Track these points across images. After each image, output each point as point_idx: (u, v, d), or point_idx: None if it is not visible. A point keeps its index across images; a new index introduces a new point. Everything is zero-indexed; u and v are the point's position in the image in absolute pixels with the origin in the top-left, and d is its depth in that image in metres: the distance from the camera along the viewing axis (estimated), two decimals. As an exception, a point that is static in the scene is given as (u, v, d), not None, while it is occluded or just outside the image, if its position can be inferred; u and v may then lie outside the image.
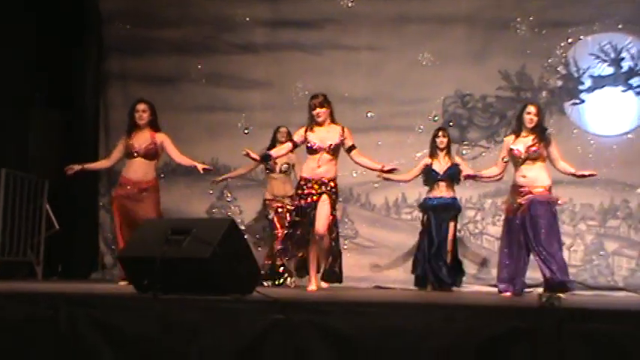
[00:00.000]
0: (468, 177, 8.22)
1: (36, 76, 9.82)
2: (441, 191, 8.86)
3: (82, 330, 4.68)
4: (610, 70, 9.81)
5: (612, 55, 9.81)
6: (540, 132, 7.75)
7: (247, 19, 10.05)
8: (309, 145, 7.39)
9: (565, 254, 9.61)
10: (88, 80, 10.17)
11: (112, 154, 8.31)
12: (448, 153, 8.95)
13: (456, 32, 9.85)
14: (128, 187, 7.93)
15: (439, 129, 9.12)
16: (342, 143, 7.44)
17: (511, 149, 7.73)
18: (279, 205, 8.86)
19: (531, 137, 7.70)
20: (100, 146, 10.11)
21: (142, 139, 7.96)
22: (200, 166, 7.91)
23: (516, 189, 7.67)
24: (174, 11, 10.07)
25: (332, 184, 7.38)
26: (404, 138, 9.60)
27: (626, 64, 9.78)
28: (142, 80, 10.05)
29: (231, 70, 9.97)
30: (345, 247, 9.30)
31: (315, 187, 7.32)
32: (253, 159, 7.75)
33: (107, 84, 10.21)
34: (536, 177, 7.66)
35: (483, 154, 9.68)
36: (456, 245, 8.99)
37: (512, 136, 7.83)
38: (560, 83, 9.88)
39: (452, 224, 8.88)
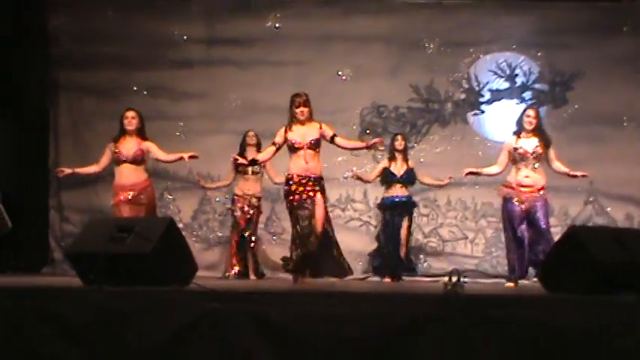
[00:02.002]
0: (470, 174, 7.85)
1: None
2: (397, 190, 8.86)
3: (32, 319, 4.58)
4: (506, 85, 9.98)
5: (508, 72, 9.96)
6: (542, 134, 7.57)
7: (185, 37, 9.97)
8: (290, 143, 7.08)
9: (469, 247, 9.80)
10: (36, 92, 9.94)
11: (100, 160, 7.84)
12: (405, 158, 8.94)
13: (373, 50, 9.90)
14: (125, 193, 7.59)
15: (397, 134, 9.08)
16: (322, 137, 7.15)
17: (516, 148, 7.51)
18: (246, 203, 8.76)
19: (536, 139, 7.51)
20: (50, 152, 9.92)
21: (128, 146, 7.64)
22: (186, 156, 7.54)
23: (518, 188, 7.47)
24: (117, 30, 9.92)
25: (322, 182, 7.13)
26: (325, 144, 9.58)
27: (519, 80, 9.96)
28: (89, 92, 9.91)
29: (170, 83, 9.88)
30: (274, 242, 9.29)
31: (309, 183, 7.03)
32: (242, 164, 7.70)
33: (56, 95, 10.02)
34: (539, 178, 7.49)
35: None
36: (410, 238, 9.03)
37: (515, 137, 7.60)
38: (463, 96, 10.00)
39: (406, 219, 8.88)
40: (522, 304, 4.78)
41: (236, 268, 8.74)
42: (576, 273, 5.25)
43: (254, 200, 8.79)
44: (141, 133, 7.72)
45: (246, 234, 8.74)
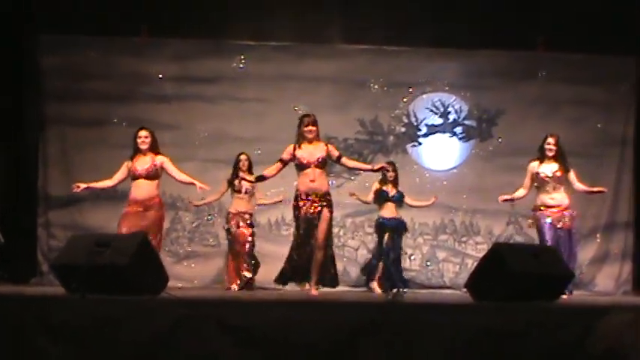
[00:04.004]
0: (505, 200, 7.61)
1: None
2: (392, 212, 8.76)
3: (24, 321, 4.51)
4: (440, 121, 10.04)
5: (441, 110, 10.03)
6: (562, 159, 7.30)
7: (160, 75, 9.90)
8: (298, 161, 6.68)
9: (407, 261, 9.82)
10: (28, 122, 9.80)
11: (114, 175, 7.40)
12: (395, 184, 8.87)
13: (324, 89, 9.92)
14: (135, 206, 7.15)
15: (389, 163, 8.94)
16: (328, 157, 6.75)
17: (537, 173, 7.27)
18: (240, 219, 8.62)
19: (556, 165, 7.26)
20: (40, 176, 9.75)
21: (143, 162, 7.22)
22: (198, 185, 7.16)
23: (546, 209, 7.24)
24: (101, 68, 9.80)
25: (328, 197, 6.70)
26: (284, 171, 9.53)
27: (451, 117, 10.04)
28: (75, 123, 9.74)
29: (147, 115, 9.73)
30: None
31: (316, 199, 6.62)
32: (250, 181, 7.48)
33: (45, 125, 9.84)
34: (562, 197, 7.28)
35: (345, 183, 9.74)
36: (401, 255, 8.95)
37: (537, 162, 7.36)
38: (403, 130, 10.04)
39: (398, 238, 8.81)
40: (454, 310, 4.80)
41: (238, 281, 8.52)
42: (499, 283, 5.30)
43: (247, 216, 8.67)
44: (154, 149, 7.32)
45: (247, 249, 8.59)
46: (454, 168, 9.96)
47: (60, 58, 9.79)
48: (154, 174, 7.25)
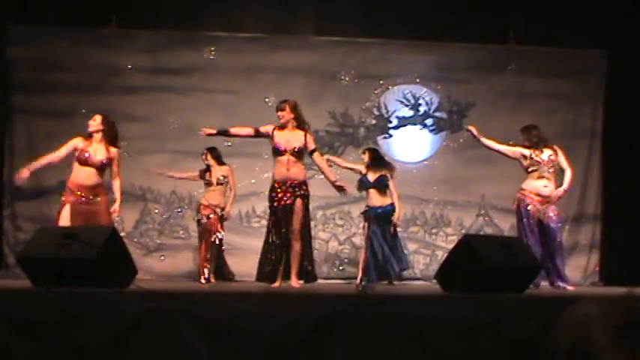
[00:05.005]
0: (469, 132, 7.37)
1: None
2: (378, 200, 8.60)
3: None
4: (410, 113, 10.06)
5: (412, 102, 10.05)
6: (550, 144, 7.18)
7: (130, 66, 9.80)
8: (275, 145, 6.52)
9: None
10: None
11: (60, 148, 6.68)
12: (377, 167, 8.68)
13: (295, 81, 9.88)
14: (80, 193, 6.54)
15: (365, 149, 8.94)
16: (305, 147, 6.56)
17: (532, 156, 7.06)
18: (211, 211, 8.57)
19: (550, 150, 7.12)
20: (5, 167, 9.60)
21: (99, 152, 6.66)
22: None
23: (536, 196, 7.05)
24: (70, 59, 9.68)
25: (304, 187, 6.51)
26: (253, 163, 9.48)
27: (422, 109, 10.05)
28: (42, 114, 9.61)
29: (116, 107, 9.60)
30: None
31: (289, 190, 6.44)
32: (210, 134, 7.03)
33: (12, 117, 9.71)
34: (553, 187, 7.11)
35: (316, 175, 9.70)
36: (397, 241, 8.79)
37: (524, 148, 7.18)
38: (374, 122, 10.05)
39: (390, 225, 8.66)
40: (423, 302, 4.80)
41: (206, 273, 8.44)
42: (469, 274, 5.32)
43: (218, 210, 8.62)
44: (111, 142, 6.82)
45: (213, 239, 8.54)
46: (425, 160, 9.99)
47: (27, 48, 9.65)
48: (105, 167, 6.77)
